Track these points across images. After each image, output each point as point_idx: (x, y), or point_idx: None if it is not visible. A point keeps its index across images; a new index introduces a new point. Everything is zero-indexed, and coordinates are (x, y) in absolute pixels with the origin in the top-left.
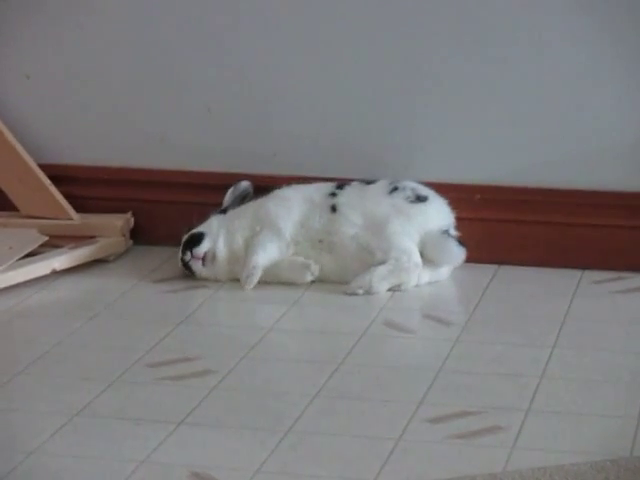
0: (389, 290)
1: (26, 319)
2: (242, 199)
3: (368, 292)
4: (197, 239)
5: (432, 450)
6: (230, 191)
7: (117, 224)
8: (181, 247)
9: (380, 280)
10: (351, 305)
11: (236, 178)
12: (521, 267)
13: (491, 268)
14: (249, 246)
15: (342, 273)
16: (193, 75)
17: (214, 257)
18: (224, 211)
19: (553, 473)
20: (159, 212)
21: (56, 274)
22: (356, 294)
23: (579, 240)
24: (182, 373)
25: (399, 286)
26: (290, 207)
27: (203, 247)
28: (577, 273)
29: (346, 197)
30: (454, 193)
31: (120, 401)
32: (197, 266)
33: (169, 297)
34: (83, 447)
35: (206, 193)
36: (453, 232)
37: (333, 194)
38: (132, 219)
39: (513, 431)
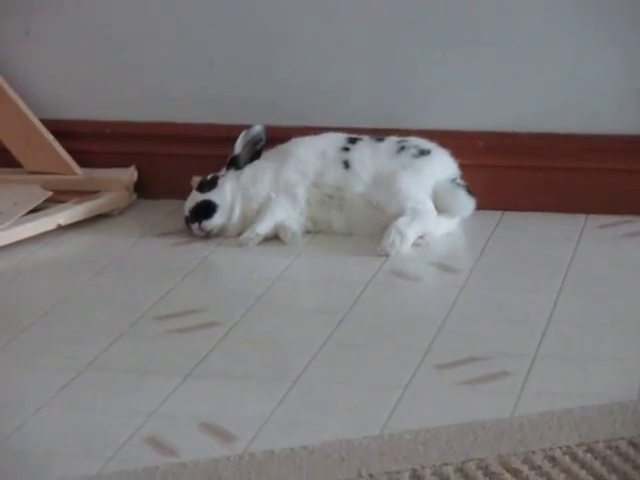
0: (414, 245)
1: (32, 274)
2: (254, 144)
3: (401, 243)
4: (209, 210)
5: (440, 396)
6: (242, 136)
7: (121, 178)
8: (190, 210)
9: (407, 228)
10: (357, 254)
11: (239, 130)
12: (525, 213)
13: (496, 215)
14: (261, 210)
15: (350, 229)
16: (194, 28)
17: (224, 230)
18: (237, 163)
19: (561, 417)
20: (163, 166)
21: (61, 229)
22: (388, 255)
23: (583, 185)
24: (189, 325)
25: (423, 237)
26: (306, 171)
27: (213, 222)
28: (581, 218)
29: (359, 153)
30: (458, 140)
31: (128, 354)
32: (200, 234)
33: (174, 250)
34: (92, 401)
35: (209, 146)
36: (461, 182)
37: (346, 149)
38: (136, 173)
39: (520, 376)
